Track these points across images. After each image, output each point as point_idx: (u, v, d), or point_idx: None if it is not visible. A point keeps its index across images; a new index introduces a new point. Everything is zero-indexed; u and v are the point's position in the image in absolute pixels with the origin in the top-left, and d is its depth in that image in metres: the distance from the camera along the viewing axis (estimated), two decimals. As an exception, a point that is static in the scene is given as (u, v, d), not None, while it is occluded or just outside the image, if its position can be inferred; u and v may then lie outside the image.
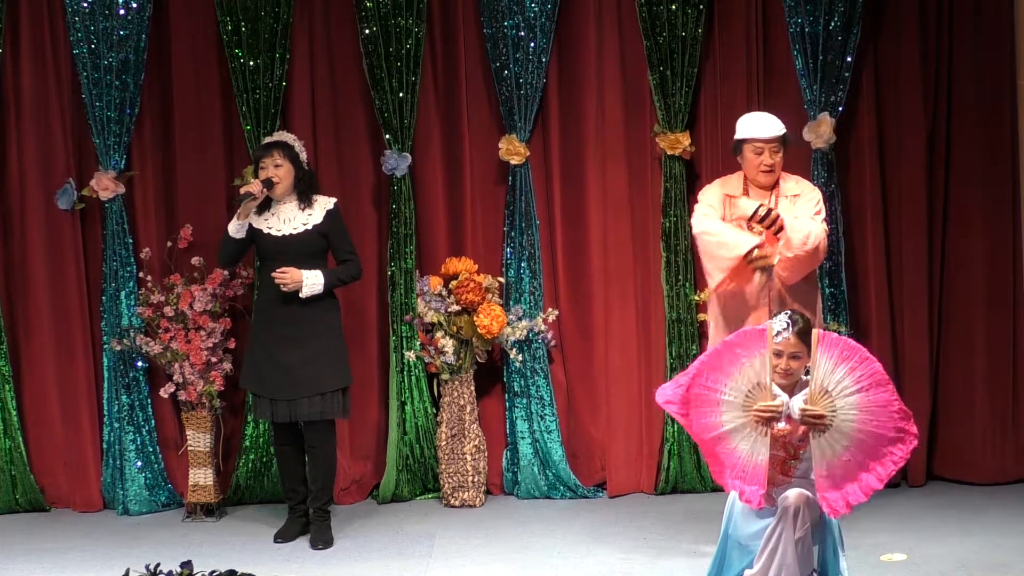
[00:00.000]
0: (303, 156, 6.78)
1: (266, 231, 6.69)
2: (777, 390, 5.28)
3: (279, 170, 6.68)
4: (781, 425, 5.26)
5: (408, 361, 7.39)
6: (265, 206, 6.73)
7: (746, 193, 6.42)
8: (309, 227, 6.69)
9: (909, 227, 7.35)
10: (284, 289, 6.57)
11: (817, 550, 5.31)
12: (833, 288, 7.30)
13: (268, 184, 6.65)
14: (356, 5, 7.33)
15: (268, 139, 6.87)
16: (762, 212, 6.28)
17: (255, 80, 7.30)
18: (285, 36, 7.32)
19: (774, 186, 6.41)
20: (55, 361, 7.45)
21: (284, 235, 6.67)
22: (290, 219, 6.71)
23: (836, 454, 5.20)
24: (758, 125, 6.37)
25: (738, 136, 6.42)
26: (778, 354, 5.29)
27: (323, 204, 6.76)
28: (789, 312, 5.41)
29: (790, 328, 5.29)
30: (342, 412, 6.76)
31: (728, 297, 6.39)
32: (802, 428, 5.24)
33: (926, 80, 7.38)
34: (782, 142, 6.38)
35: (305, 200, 6.73)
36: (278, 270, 6.59)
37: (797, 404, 5.24)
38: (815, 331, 5.26)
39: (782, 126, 6.39)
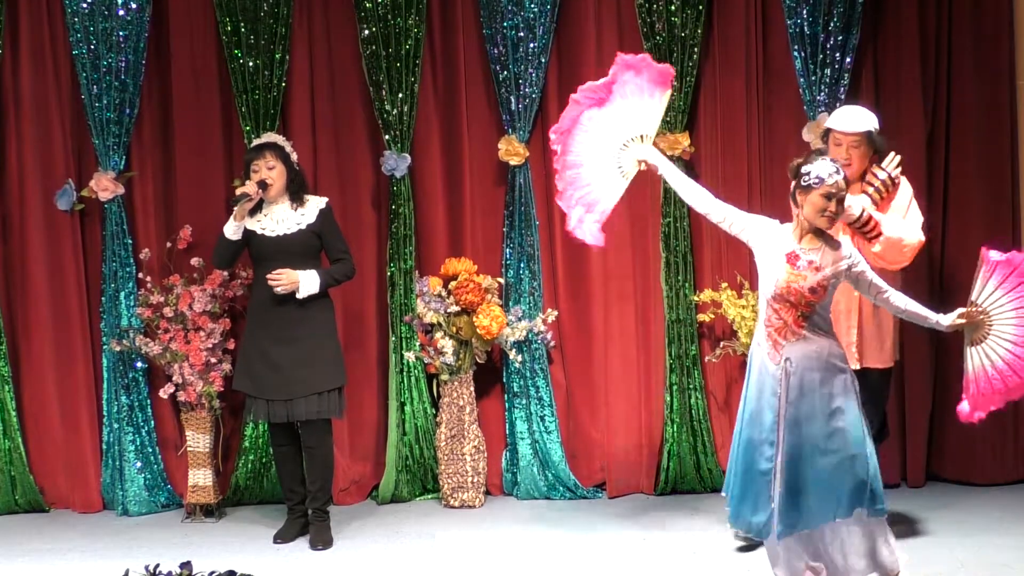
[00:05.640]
0: (294, 156, 6.79)
1: (260, 232, 6.69)
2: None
3: (272, 172, 6.68)
4: (805, 272, 5.34)
5: (408, 362, 7.39)
6: (257, 207, 6.72)
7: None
8: (303, 227, 6.69)
9: (908, 227, 7.35)
10: (280, 291, 6.57)
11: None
12: (833, 288, 7.30)
13: (263, 186, 6.65)
14: (356, 6, 7.33)
15: (258, 141, 6.86)
16: (864, 218, 6.15)
17: (254, 81, 7.30)
18: (284, 37, 7.32)
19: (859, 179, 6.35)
20: (55, 362, 7.45)
21: (278, 236, 6.67)
22: (283, 219, 6.71)
23: (985, 368, 5.45)
24: (839, 117, 6.36)
25: (826, 124, 6.47)
26: (828, 197, 5.33)
27: (316, 203, 6.76)
28: (831, 160, 5.43)
29: (840, 175, 5.35)
30: (338, 412, 6.76)
31: None
32: (819, 279, 5.33)
33: (926, 80, 7.38)
34: (868, 141, 6.30)
35: (297, 200, 6.73)
36: (273, 272, 6.58)
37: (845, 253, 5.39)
38: (983, 252, 5.44)
39: (865, 124, 6.28)
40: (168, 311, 7.19)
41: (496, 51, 7.38)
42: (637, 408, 7.49)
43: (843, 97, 7.24)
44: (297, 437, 6.78)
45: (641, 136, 5.78)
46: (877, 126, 6.35)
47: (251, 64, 7.29)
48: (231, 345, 7.24)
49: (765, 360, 5.44)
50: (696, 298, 7.37)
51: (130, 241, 7.41)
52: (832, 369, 5.40)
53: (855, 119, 6.31)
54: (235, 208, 6.64)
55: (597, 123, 5.85)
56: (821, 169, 5.35)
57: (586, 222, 5.75)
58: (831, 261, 5.37)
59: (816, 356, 5.38)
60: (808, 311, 5.37)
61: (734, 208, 5.59)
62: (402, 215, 7.39)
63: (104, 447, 7.48)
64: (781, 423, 5.40)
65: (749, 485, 5.46)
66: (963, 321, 5.46)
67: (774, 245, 5.42)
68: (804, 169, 5.38)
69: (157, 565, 5.94)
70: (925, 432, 7.41)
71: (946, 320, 5.48)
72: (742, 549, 6.43)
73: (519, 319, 7.40)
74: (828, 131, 6.38)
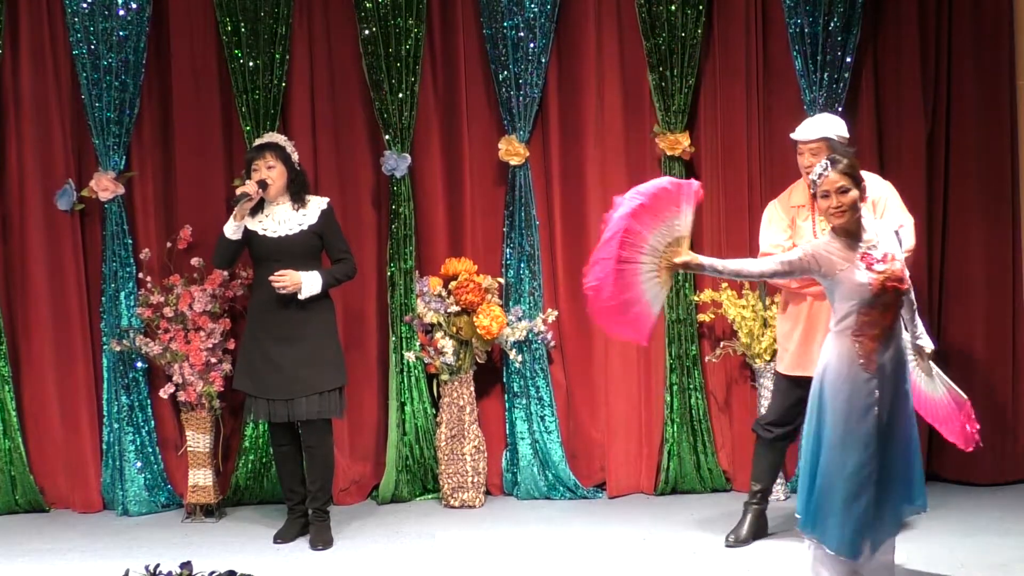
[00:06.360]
0: (295, 157, 6.79)
1: (261, 233, 6.69)
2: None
3: (272, 172, 6.68)
4: (887, 266, 5.30)
5: (408, 362, 7.39)
6: (258, 208, 6.72)
7: (813, 198, 6.43)
8: (304, 227, 6.69)
9: (908, 227, 7.36)
10: (283, 292, 6.57)
11: None
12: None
13: (263, 186, 6.66)
14: (356, 6, 7.33)
15: (259, 141, 6.87)
16: None
17: (254, 81, 7.30)
18: (285, 37, 7.32)
19: None
20: (55, 362, 7.45)
21: (279, 236, 6.67)
22: (285, 220, 6.71)
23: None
24: (800, 127, 6.43)
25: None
26: (825, 195, 5.32)
27: (317, 204, 6.76)
28: (827, 158, 5.44)
29: (828, 168, 5.32)
30: (339, 412, 6.76)
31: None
32: (900, 264, 5.35)
33: (926, 80, 7.39)
34: (828, 147, 6.33)
35: (298, 200, 6.73)
36: (276, 273, 6.58)
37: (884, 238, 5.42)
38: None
39: (822, 130, 6.33)
40: (168, 311, 7.19)
41: (496, 51, 7.38)
42: (637, 408, 7.49)
43: (843, 97, 7.24)
44: (297, 437, 6.78)
45: (678, 239, 5.43)
46: (842, 133, 6.36)
47: (251, 64, 7.29)
48: (231, 345, 7.24)
49: (856, 373, 5.31)
50: (696, 298, 7.37)
51: (130, 241, 7.41)
52: (904, 359, 5.45)
53: (811, 127, 6.39)
54: (235, 208, 6.64)
55: (643, 228, 5.45)
56: (812, 174, 5.39)
57: (627, 324, 5.41)
58: (892, 244, 5.38)
59: (903, 349, 5.41)
60: (901, 304, 5.36)
61: (783, 255, 5.48)
62: (402, 215, 7.39)
63: (104, 447, 7.48)
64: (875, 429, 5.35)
65: (841, 501, 5.34)
66: (918, 358, 5.66)
67: (838, 258, 5.33)
68: None
69: (157, 565, 5.93)
70: (925, 432, 7.40)
71: (919, 343, 5.62)
72: (732, 545, 6.51)
73: (519, 319, 7.40)
74: (796, 143, 6.45)
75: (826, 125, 6.37)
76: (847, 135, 6.42)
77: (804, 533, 5.50)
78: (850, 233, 5.36)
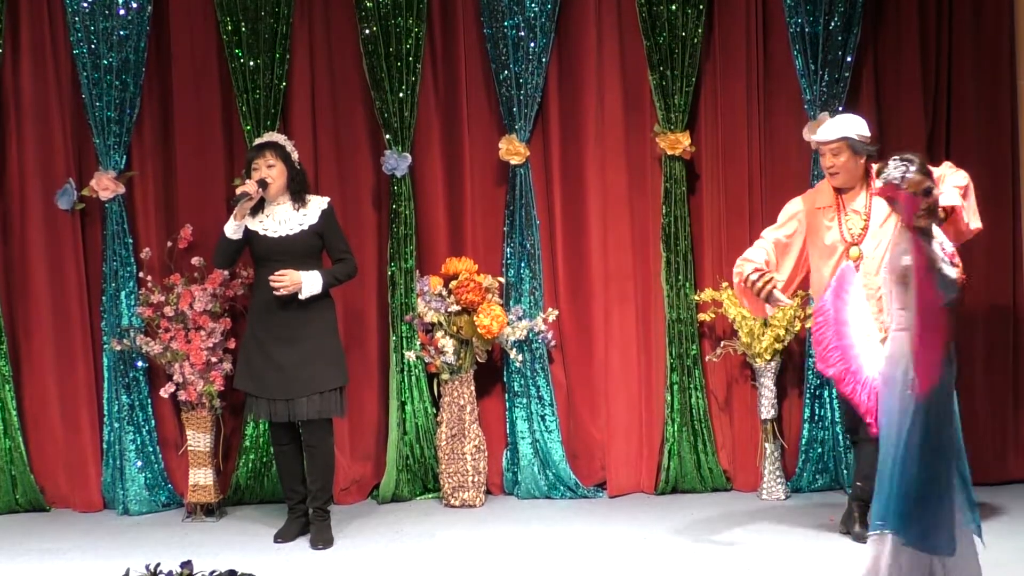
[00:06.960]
0: (295, 156, 6.79)
1: (261, 233, 6.69)
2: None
3: (272, 170, 6.68)
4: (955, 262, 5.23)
5: (408, 361, 7.39)
6: (259, 207, 6.72)
7: (837, 197, 6.43)
8: (305, 227, 6.69)
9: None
10: (282, 292, 6.57)
11: None
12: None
13: (262, 184, 6.66)
14: (356, 5, 7.33)
15: (259, 140, 6.87)
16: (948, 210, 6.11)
17: (255, 80, 7.30)
18: (285, 36, 7.32)
19: (861, 187, 6.37)
20: (55, 361, 7.45)
21: (280, 236, 6.67)
22: (285, 220, 6.71)
23: None
24: (820, 128, 6.44)
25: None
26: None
27: (317, 204, 6.76)
28: (897, 158, 5.14)
29: (910, 168, 5.05)
30: (340, 411, 6.76)
31: None
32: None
33: (926, 80, 7.39)
34: (849, 146, 6.33)
35: (299, 200, 6.73)
36: (276, 273, 6.58)
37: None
38: None
39: (842, 130, 6.34)
40: (169, 310, 7.19)
41: (496, 51, 7.38)
42: (638, 407, 7.49)
43: (843, 97, 7.25)
44: (298, 436, 6.78)
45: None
46: (862, 131, 6.36)
47: (252, 63, 7.29)
48: (232, 344, 7.24)
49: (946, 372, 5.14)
50: (697, 297, 7.37)
51: (131, 240, 7.41)
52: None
53: (829, 127, 6.40)
54: (235, 207, 6.64)
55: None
56: (891, 177, 5.09)
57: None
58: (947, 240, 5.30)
59: None
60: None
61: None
62: (403, 215, 7.39)
63: (105, 446, 7.48)
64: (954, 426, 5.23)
65: (939, 500, 5.15)
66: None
67: (935, 256, 5.12)
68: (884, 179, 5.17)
69: (158, 564, 5.94)
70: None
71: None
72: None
73: (520, 318, 7.40)
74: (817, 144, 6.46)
75: (846, 125, 6.37)
76: (868, 134, 6.42)
77: (890, 534, 5.21)
78: (927, 233, 5.11)
